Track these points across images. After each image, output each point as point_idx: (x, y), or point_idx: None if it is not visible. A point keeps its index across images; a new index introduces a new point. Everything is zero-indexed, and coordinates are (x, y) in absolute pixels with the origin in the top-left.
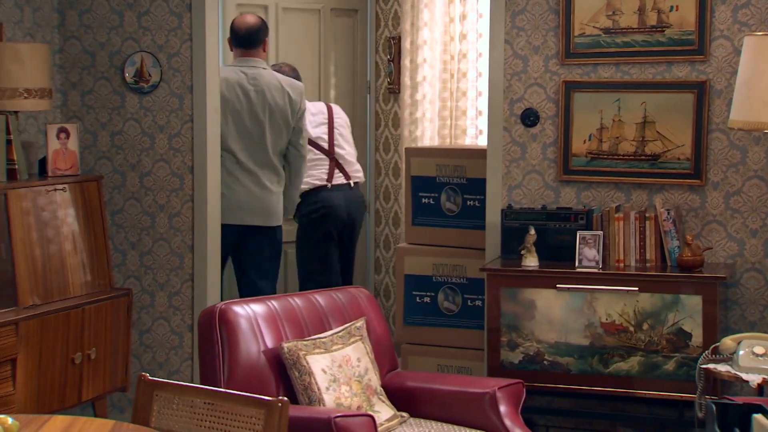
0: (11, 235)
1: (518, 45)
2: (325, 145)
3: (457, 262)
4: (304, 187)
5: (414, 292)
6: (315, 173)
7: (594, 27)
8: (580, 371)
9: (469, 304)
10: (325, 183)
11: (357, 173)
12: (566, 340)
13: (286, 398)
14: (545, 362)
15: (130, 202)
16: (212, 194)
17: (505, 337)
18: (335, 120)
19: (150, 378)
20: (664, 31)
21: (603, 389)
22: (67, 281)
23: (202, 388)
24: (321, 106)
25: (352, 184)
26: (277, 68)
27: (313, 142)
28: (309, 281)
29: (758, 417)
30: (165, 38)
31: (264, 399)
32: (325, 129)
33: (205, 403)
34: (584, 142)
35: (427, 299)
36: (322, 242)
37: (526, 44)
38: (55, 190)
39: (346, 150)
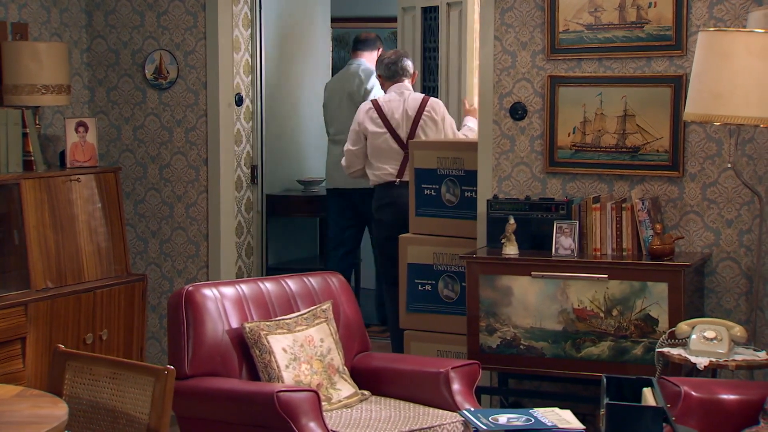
0: (24, 223)
1: (507, 41)
2: (404, 138)
3: (456, 251)
4: (375, 180)
5: (416, 280)
6: (385, 167)
7: (577, 23)
8: (553, 355)
9: None
10: (393, 179)
11: None
12: (541, 326)
13: (172, 367)
14: (521, 347)
15: (150, 192)
16: (225, 185)
17: (484, 322)
18: (423, 114)
19: (63, 349)
20: (643, 27)
21: (575, 373)
22: (82, 267)
23: (104, 357)
24: (417, 98)
25: None
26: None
27: (392, 132)
28: (379, 273)
29: (646, 390)
30: (181, 37)
31: (153, 367)
32: (409, 122)
33: (107, 371)
34: (569, 135)
35: (428, 287)
36: (385, 238)
37: (514, 40)
38: (70, 180)
39: None
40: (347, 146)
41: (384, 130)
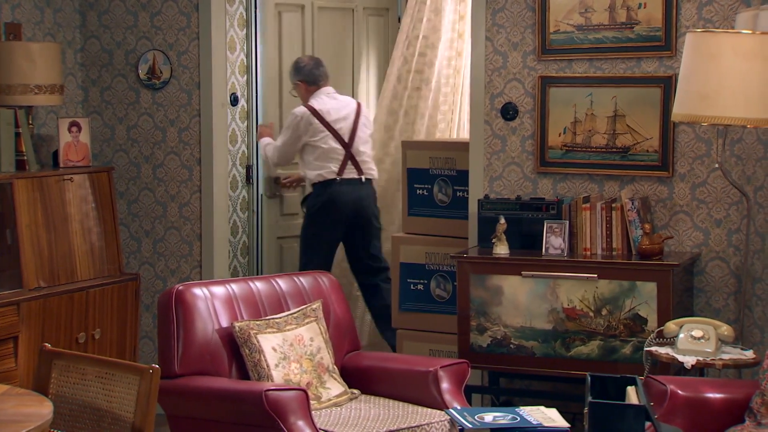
0: (17, 222)
1: (498, 42)
2: (346, 139)
3: (448, 251)
4: (316, 179)
5: (408, 280)
6: (329, 166)
7: (568, 24)
8: (543, 354)
9: None
10: (335, 176)
11: (371, 170)
12: (531, 325)
13: (157, 366)
14: (511, 346)
15: (144, 192)
16: (219, 185)
17: (475, 321)
18: (361, 117)
19: (50, 348)
20: (633, 27)
21: (565, 372)
22: (75, 266)
23: (90, 356)
24: (351, 101)
25: (364, 180)
26: (298, 61)
27: (334, 134)
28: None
29: (629, 388)
30: (175, 37)
31: (138, 366)
32: (349, 123)
33: (93, 370)
34: (559, 135)
35: (420, 286)
36: (324, 233)
37: (505, 41)
38: (63, 180)
39: (364, 147)
40: (284, 142)
41: (326, 132)
